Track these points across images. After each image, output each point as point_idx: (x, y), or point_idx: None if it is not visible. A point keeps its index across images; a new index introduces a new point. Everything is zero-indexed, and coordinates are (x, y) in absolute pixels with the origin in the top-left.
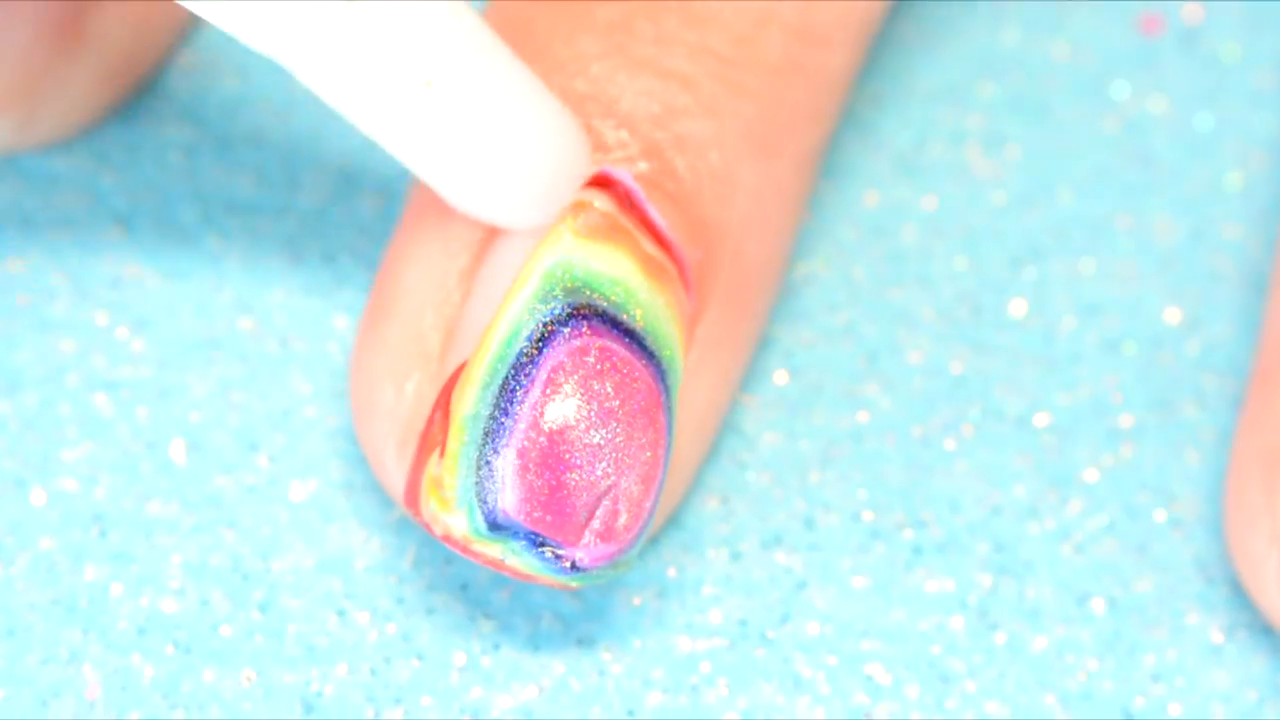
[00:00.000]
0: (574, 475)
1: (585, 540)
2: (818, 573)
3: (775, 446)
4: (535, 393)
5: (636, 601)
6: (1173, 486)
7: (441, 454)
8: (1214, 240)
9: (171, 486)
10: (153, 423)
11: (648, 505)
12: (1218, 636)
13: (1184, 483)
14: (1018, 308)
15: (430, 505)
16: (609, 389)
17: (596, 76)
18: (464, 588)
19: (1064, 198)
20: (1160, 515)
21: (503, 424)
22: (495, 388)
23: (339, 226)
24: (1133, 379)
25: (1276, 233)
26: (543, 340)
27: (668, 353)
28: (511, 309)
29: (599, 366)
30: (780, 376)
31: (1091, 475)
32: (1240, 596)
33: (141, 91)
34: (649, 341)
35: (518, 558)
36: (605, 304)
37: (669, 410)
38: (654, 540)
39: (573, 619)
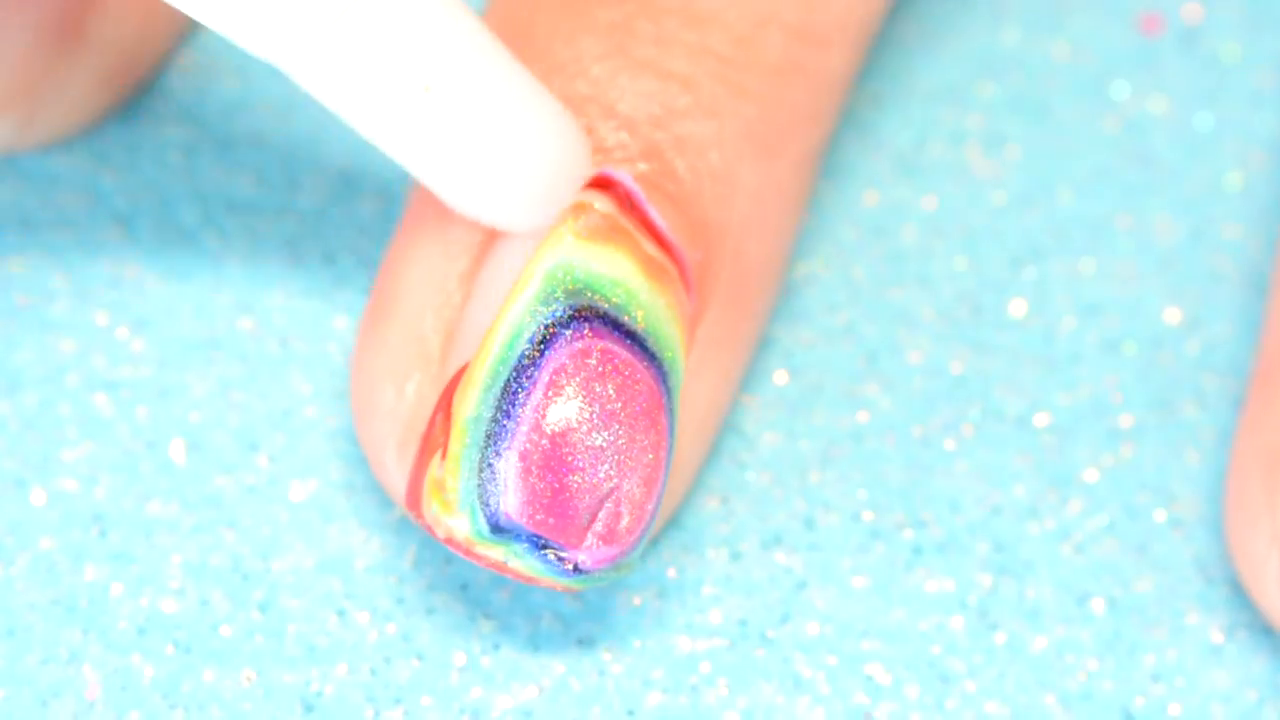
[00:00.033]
0: (576, 477)
1: (588, 542)
2: (818, 573)
3: (775, 446)
4: (537, 395)
5: (636, 601)
6: (1173, 486)
7: (443, 456)
8: (1214, 240)
9: (171, 486)
10: (153, 423)
11: (650, 507)
12: (1218, 636)
13: (1184, 483)
14: (1018, 308)
15: (432, 508)
16: (611, 391)
17: (597, 78)
18: (464, 588)
19: (1064, 198)
20: (1160, 515)
21: (505, 426)
22: (497, 390)
23: (339, 227)
24: (1133, 379)
25: (1277, 233)
26: (544, 342)
27: (669, 354)
28: (513, 311)
29: (601, 368)
30: (780, 376)
31: (1091, 475)
32: (1240, 596)
33: (141, 91)
34: (650, 343)
35: (520, 560)
36: (607, 306)
37: (671, 412)
38: (654, 540)
39: (573, 619)
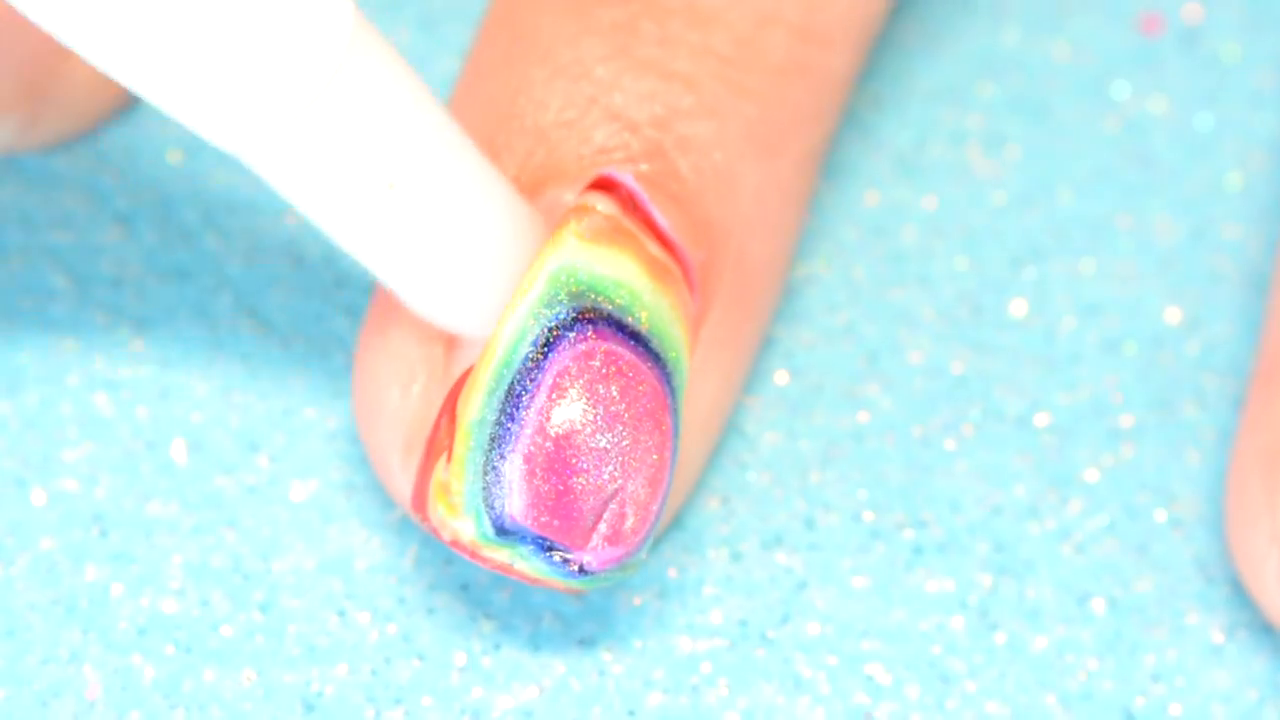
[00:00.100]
0: (581, 479)
1: (593, 544)
2: (818, 573)
3: (776, 446)
4: (541, 397)
5: (637, 602)
6: (1173, 486)
7: (448, 460)
8: (1214, 240)
9: (172, 486)
10: (153, 423)
11: (654, 508)
12: (1218, 636)
13: (1184, 483)
14: (1018, 308)
15: (438, 510)
16: (615, 392)
17: (600, 79)
18: (465, 588)
19: (1064, 198)
20: (1160, 515)
21: (509, 429)
22: (501, 393)
23: None
24: (1133, 379)
25: (1277, 233)
26: (548, 345)
27: (673, 354)
28: (516, 314)
29: (604, 370)
30: (781, 377)
31: (1091, 475)
32: (1240, 596)
33: None
34: (654, 344)
35: (526, 562)
36: (610, 307)
37: (675, 412)
38: (655, 541)
39: (573, 619)
